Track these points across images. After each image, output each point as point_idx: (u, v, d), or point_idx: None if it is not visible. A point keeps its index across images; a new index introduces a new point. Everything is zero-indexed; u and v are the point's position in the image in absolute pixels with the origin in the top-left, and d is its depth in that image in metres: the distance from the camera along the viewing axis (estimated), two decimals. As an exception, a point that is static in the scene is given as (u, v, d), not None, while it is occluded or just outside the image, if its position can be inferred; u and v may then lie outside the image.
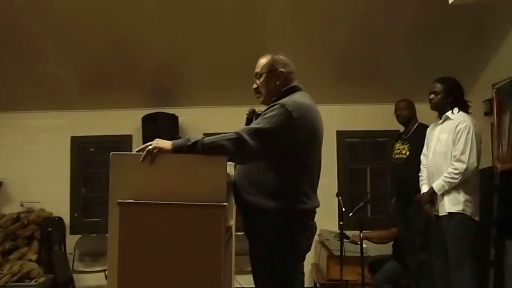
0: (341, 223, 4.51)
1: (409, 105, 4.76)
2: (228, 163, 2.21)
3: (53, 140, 6.36)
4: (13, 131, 6.38)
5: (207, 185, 2.08)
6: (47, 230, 5.96)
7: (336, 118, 6.09)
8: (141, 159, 2.13)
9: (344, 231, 4.88)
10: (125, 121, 6.12)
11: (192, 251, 1.98)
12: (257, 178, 2.34)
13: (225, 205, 2.00)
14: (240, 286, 3.97)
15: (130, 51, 5.28)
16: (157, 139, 2.21)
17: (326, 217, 5.34)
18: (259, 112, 2.48)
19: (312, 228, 2.44)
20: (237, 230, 3.06)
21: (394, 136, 5.09)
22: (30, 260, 5.75)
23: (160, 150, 2.14)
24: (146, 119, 5.90)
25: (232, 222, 2.98)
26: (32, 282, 5.44)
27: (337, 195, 4.68)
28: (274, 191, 2.29)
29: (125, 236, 2.00)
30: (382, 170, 6.22)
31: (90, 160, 6.59)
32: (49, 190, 6.23)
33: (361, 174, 6.31)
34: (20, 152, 6.34)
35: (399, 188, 4.80)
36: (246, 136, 2.16)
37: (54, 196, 6.24)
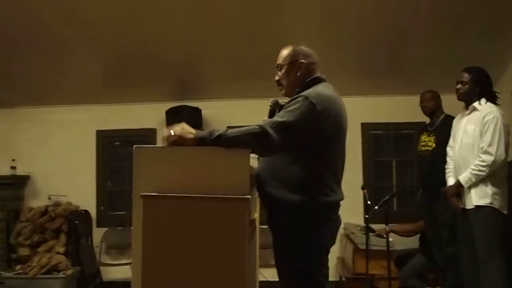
0: (366, 216, 4.47)
1: (434, 96, 4.67)
2: (252, 155, 2.19)
3: (79, 134, 6.45)
4: (40, 126, 6.50)
5: (230, 177, 2.06)
6: (74, 223, 6.06)
7: (361, 110, 6.02)
8: (161, 138, 2.12)
9: (369, 225, 4.84)
10: (149, 115, 6.16)
11: (215, 244, 1.97)
12: (281, 171, 2.31)
13: (248, 198, 1.98)
14: (265, 279, 3.95)
15: (153, 45, 5.30)
16: (183, 123, 2.17)
17: (352, 210, 5.29)
18: (282, 103, 2.46)
19: (336, 221, 2.41)
20: (261, 223, 3.04)
21: (420, 128, 5.01)
22: (58, 253, 5.86)
23: (181, 138, 2.09)
24: (170, 113, 5.92)
25: (256, 215, 2.97)
26: (60, 274, 5.54)
27: (362, 188, 4.64)
28: (297, 184, 2.27)
29: (148, 228, 2.00)
30: (408, 163, 6.11)
31: (115, 153, 6.65)
32: (75, 183, 6.34)
33: (387, 167, 6.22)
34: (47, 146, 6.45)
35: (425, 180, 4.73)
36: (269, 130, 2.13)
37: (80, 190, 6.34)
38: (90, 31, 5.06)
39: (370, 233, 4.87)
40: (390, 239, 4.89)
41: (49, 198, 6.31)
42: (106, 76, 5.86)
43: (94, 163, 6.47)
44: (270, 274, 4.39)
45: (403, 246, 5.24)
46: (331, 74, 5.19)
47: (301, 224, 2.26)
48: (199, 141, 2.12)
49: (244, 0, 4.76)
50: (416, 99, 4.84)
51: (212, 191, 2.03)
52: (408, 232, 5.19)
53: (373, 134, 6.18)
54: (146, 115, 6.21)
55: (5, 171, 6.32)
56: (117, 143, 6.73)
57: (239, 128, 2.14)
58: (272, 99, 2.67)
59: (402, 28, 5.02)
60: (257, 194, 2.54)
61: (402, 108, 5.87)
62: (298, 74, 2.45)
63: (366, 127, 6.09)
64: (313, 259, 2.29)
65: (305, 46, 2.54)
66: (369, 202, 4.38)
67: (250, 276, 2.83)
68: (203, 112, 6.07)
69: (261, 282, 3.40)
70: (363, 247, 4.55)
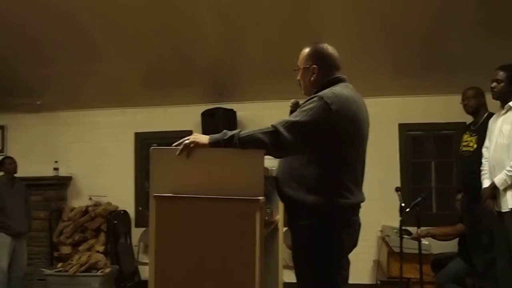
0: (400, 218, 4.37)
1: (477, 93, 4.45)
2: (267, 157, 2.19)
3: (118, 136, 6.62)
4: (81, 128, 6.71)
5: (244, 179, 2.06)
6: (113, 223, 6.21)
7: (398, 111, 5.93)
8: (177, 153, 2.16)
9: (406, 227, 4.73)
10: (185, 117, 6.24)
11: (226, 245, 1.98)
12: (298, 172, 2.30)
13: (259, 199, 1.97)
14: (289, 281, 3.93)
15: (188, 50, 5.37)
16: (194, 133, 2.23)
17: (388, 212, 5.23)
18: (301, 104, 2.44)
19: (355, 223, 2.36)
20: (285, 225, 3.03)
21: (463, 127, 4.84)
22: (98, 252, 6.02)
23: (197, 145, 2.15)
24: (205, 115, 6.00)
25: (279, 216, 2.96)
26: (99, 273, 5.69)
27: (396, 190, 4.53)
28: (314, 185, 2.24)
29: (160, 229, 2.03)
30: (448, 164, 5.94)
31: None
32: (115, 184, 6.50)
33: (426, 168, 6.07)
34: (88, 148, 6.65)
35: (466, 182, 4.56)
36: (282, 129, 2.12)
37: (119, 190, 6.50)
38: (126, 37, 5.17)
39: (407, 236, 4.76)
40: (427, 243, 4.79)
41: (90, 199, 6.50)
42: (143, 80, 5.98)
43: (133, 165, 6.61)
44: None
45: (440, 250, 5.09)
46: (367, 74, 5.15)
47: (319, 226, 2.23)
48: (214, 144, 2.16)
49: (278, 2, 4.76)
50: (458, 98, 4.68)
51: (226, 192, 2.04)
52: (446, 235, 5.03)
53: (411, 135, 6.04)
54: (182, 117, 6.29)
55: (49, 172, 6.55)
56: (155, 145, 6.82)
57: (253, 129, 2.15)
58: (292, 100, 2.66)
59: (441, 25, 4.89)
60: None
61: (442, 108, 5.73)
62: (312, 78, 2.43)
63: (403, 128, 5.96)
64: (330, 261, 2.25)
65: (326, 45, 2.50)
66: (402, 204, 4.29)
67: (271, 276, 2.83)
68: (238, 114, 6.12)
69: (289, 283, 3.37)
70: (398, 250, 4.45)
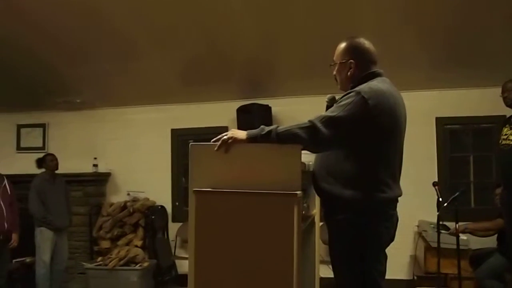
0: (437, 213, 4.32)
1: None
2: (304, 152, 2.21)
3: (155, 133, 6.74)
4: (118, 126, 6.87)
5: (281, 173, 2.09)
6: (151, 218, 6.33)
7: (435, 104, 5.85)
8: (216, 148, 2.20)
9: (443, 222, 4.68)
10: (221, 113, 6.31)
11: (264, 239, 2.01)
12: (335, 167, 2.30)
13: (296, 194, 2.00)
14: (325, 275, 3.94)
15: (223, 47, 5.41)
16: (232, 129, 2.26)
17: (425, 207, 5.19)
18: (338, 99, 2.45)
19: (393, 217, 2.35)
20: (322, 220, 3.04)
21: (500, 121, 4.74)
22: (136, 246, 6.15)
23: (235, 140, 2.19)
24: (241, 111, 6.05)
25: (315, 211, 2.98)
26: (137, 267, 5.81)
27: (434, 185, 4.48)
28: (351, 180, 2.24)
29: (200, 222, 2.08)
30: (487, 158, 5.82)
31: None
32: (152, 180, 6.63)
33: (464, 163, 5.97)
34: (126, 144, 6.79)
35: (505, 176, 4.46)
36: (319, 125, 2.14)
37: (157, 186, 6.62)
38: (163, 36, 5.24)
39: (444, 231, 4.71)
40: (465, 238, 4.72)
41: (128, 194, 6.64)
42: (179, 77, 6.05)
43: (169, 161, 6.72)
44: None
45: (479, 245, 5.01)
46: (404, 68, 5.07)
47: (355, 220, 2.23)
48: (251, 139, 2.19)
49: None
50: (497, 91, 4.59)
51: (264, 186, 2.07)
52: (485, 230, 4.95)
53: (449, 128, 5.95)
54: (218, 113, 6.36)
55: (88, 169, 6.74)
56: (191, 141, 6.91)
57: (290, 125, 2.17)
58: (329, 95, 2.66)
59: (478, 19, 4.78)
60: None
61: (480, 101, 5.65)
62: (349, 73, 2.42)
63: (440, 122, 5.88)
64: (368, 256, 2.25)
65: (362, 40, 2.49)
66: (440, 199, 4.24)
67: (307, 271, 2.85)
68: (273, 110, 6.15)
69: (325, 278, 3.38)
70: (435, 245, 4.41)
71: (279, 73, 5.84)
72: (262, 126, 2.20)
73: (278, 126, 2.17)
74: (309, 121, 2.17)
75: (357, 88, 2.26)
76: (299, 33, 5.12)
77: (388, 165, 2.32)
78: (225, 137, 2.21)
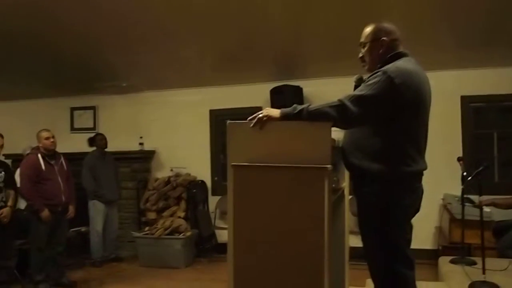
0: (462, 187, 4.26)
1: None
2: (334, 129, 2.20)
3: (195, 114, 6.81)
4: (161, 107, 6.95)
5: (313, 149, 2.09)
6: (193, 191, 6.43)
7: (460, 83, 5.71)
8: (251, 125, 2.21)
9: (468, 196, 4.60)
10: (255, 94, 6.30)
11: (297, 209, 2.03)
12: (363, 142, 2.30)
13: (327, 167, 2.00)
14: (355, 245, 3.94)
15: (256, 32, 5.35)
16: (267, 108, 2.27)
17: (450, 182, 5.12)
18: (366, 79, 2.42)
19: (418, 190, 2.34)
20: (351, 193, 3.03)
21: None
22: (179, 217, 6.26)
23: (269, 118, 2.19)
24: (274, 92, 6.03)
25: (345, 184, 2.97)
26: (180, 236, 5.93)
27: (458, 160, 4.41)
28: (378, 154, 2.24)
29: (237, 194, 2.12)
30: (511, 135, 5.67)
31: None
32: (193, 157, 6.71)
33: (488, 139, 5.82)
34: (168, 124, 6.89)
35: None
36: (348, 103, 2.13)
37: (197, 163, 6.70)
38: (202, 24, 5.22)
39: (468, 204, 4.64)
40: (488, 210, 4.62)
41: (171, 170, 6.75)
42: (217, 62, 6.06)
43: (208, 139, 6.79)
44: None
45: (502, 217, 4.90)
46: (429, 49, 4.94)
47: (383, 192, 2.23)
48: (284, 117, 2.19)
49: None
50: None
51: (297, 161, 2.08)
52: (509, 206, 4.84)
53: (473, 106, 5.80)
54: (253, 94, 6.35)
55: (135, 147, 6.86)
56: (228, 120, 6.95)
57: (321, 103, 2.17)
58: (356, 75, 2.63)
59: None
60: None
61: (505, 80, 5.50)
62: (380, 51, 2.39)
63: (465, 100, 5.74)
64: (394, 227, 2.25)
65: (387, 23, 2.47)
66: (464, 174, 4.17)
67: (337, 241, 2.87)
68: (304, 90, 6.11)
69: (354, 248, 3.39)
70: (459, 217, 4.35)
71: (310, 55, 5.77)
72: (294, 105, 2.20)
73: (309, 105, 2.16)
74: (339, 100, 2.16)
75: (383, 68, 2.23)
76: (329, 15, 5.02)
77: (414, 140, 2.30)
78: (260, 115, 2.22)
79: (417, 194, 2.33)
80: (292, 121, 2.17)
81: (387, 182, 2.23)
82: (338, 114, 2.12)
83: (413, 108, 2.25)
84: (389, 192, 2.23)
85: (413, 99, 2.23)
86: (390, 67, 2.23)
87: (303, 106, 2.17)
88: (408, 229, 2.33)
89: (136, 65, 6.20)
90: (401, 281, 2.27)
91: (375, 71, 2.26)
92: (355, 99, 2.14)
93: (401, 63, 2.27)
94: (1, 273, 4.40)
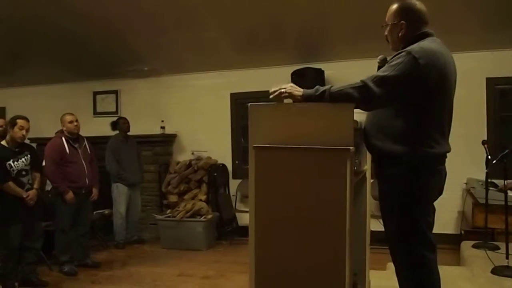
0: (486, 171, 4.18)
1: None
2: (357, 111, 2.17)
3: (216, 97, 6.81)
4: (182, 91, 6.97)
5: (335, 130, 2.05)
6: (214, 175, 6.47)
7: (486, 65, 5.56)
8: (270, 96, 2.18)
9: (492, 180, 4.52)
10: (276, 78, 6.19)
11: (319, 191, 2.00)
12: (385, 123, 2.26)
13: (349, 149, 1.97)
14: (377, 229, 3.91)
15: (277, 14, 5.31)
16: (291, 84, 2.22)
17: (474, 165, 5.03)
18: (389, 60, 2.37)
19: (441, 172, 2.30)
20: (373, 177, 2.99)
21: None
22: (200, 200, 6.31)
23: (291, 95, 2.14)
24: (295, 75, 5.97)
25: (367, 167, 2.94)
26: (202, 218, 5.98)
27: (483, 143, 4.32)
28: (401, 136, 2.20)
29: (259, 176, 2.11)
30: (539, 117, 5.54)
31: (248, 113, 6.86)
32: (214, 140, 6.73)
33: (514, 122, 5.69)
34: (189, 108, 6.91)
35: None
36: (371, 84, 2.08)
37: (218, 146, 6.72)
38: (223, 7, 5.20)
39: (492, 188, 4.56)
40: (510, 194, 4.54)
41: (193, 153, 6.79)
42: (237, 45, 6.04)
43: (229, 122, 6.79)
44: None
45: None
46: (454, 29, 4.83)
47: (405, 174, 2.20)
48: (306, 98, 2.14)
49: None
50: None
51: (319, 142, 2.05)
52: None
53: (499, 89, 5.66)
54: (273, 77, 6.25)
55: (156, 130, 6.91)
56: (249, 104, 6.93)
57: (343, 85, 2.13)
58: (380, 56, 2.58)
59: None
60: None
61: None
62: (400, 34, 2.34)
63: (491, 82, 5.59)
64: (417, 208, 2.22)
65: (413, 1, 2.37)
66: (489, 157, 4.09)
67: (359, 224, 2.84)
68: (326, 73, 6.05)
69: (375, 232, 3.36)
70: (483, 201, 4.28)
71: (331, 37, 5.71)
72: (317, 86, 2.16)
73: (331, 86, 2.12)
74: (361, 80, 2.11)
75: (408, 48, 2.18)
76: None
77: (437, 122, 2.26)
78: (283, 89, 2.17)
79: (440, 176, 2.30)
80: (314, 102, 2.14)
81: (409, 164, 2.20)
82: (361, 95, 2.07)
83: (438, 90, 2.20)
84: (411, 174, 2.20)
85: (438, 80, 2.17)
86: (414, 47, 2.17)
87: (325, 87, 2.13)
88: (430, 212, 2.30)
89: (158, 49, 6.21)
90: (423, 264, 2.25)
91: (399, 51, 2.21)
92: (378, 80, 2.10)
93: (425, 43, 2.22)
94: (28, 254, 4.50)
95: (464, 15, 4.92)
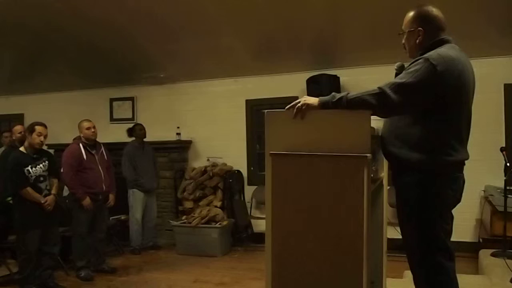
0: (505, 178, 4.12)
1: None
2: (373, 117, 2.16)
3: (231, 104, 6.83)
4: (197, 97, 7.01)
5: (352, 137, 2.05)
6: (229, 181, 6.48)
7: (503, 71, 5.50)
8: (293, 116, 2.18)
9: (511, 187, 4.46)
10: (292, 84, 6.26)
11: (335, 198, 2.01)
12: (402, 131, 2.25)
13: (366, 156, 1.97)
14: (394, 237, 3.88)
15: (293, 21, 5.32)
16: (305, 96, 2.24)
17: (492, 173, 4.98)
18: (407, 67, 2.36)
19: (459, 180, 2.27)
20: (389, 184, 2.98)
21: None
22: (216, 206, 6.32)
23: (308, 106, 2.16)
24: (310, 81, 5.98)
25: (383, 174, 2.93)
26: (217, 225, 5.99)
27: (501, 150, 4.27)
28: (418, 143, 2.19)
29: (275, 182, 2.12)
30: (559, 124, 5.45)
31: (263, 120, 6.87)
32: (229, 147, 6.75)
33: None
34: (205, 114, 6.94)
35: None
36: (388, 91, 2.08)
37: (233, 152, 6.73)
38: (238, 14, 5.23)
39: (510, 195, 4.49)
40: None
41: (208, 160, 6.81)
42: (253, 51, 6.06)
43: (244, 129, 6.80)
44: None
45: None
46: (472, 35, 4.79)
47: (423, 182, 2.18)
48: (323, 105, 2.15)
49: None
50: None
51: (336, 149, 2.05)
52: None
53: (518, 95, 5.59)
54: (289, 84, 6.31)
55: (172, 137, 6.95)
56: (264, 110, 6.94)
57: (360, 91, 2.13)
58: (397, 62, 2.57)
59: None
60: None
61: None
62: (417, 41, 2.33)
63: (509, 88, 5.52)
64: (434, 217, 2.20)
65: (430, 7, 2.37)
66: (508, 164, 4.04)
67: (375, 231, 2.83)
68: (341, 80, 6.03)
69: (392, 239, 3.34)
70: (501, 209, 4.23)
71: (346, 44, 5.70)
72: (333, 93, 2.16)
73: (348, 93, 2.12)
74: (379, 87, 2.11)
75: (425, 55, 2.17)
76: (366, 3, 4.95)
77: (455, 129, 2.24)
78: (298, 104, 2.19)
79: (458, 184, 2.27)
80: (330, 109, 2.15)
81: (427, 171, 2.18)
82: (378, 102, 2.07)
83: (456, 97, 2.18)
84: (429, 182, 2.18)
85: (456, 87, 2.16)
86: (432, 54, 2.16)
87: (342, 94, 2.13)
88: (448, 220, 2.28)
89: (174, 56, 6.26)
90: (441, 273, 2.22)
91: (417, 58, 2.20)
92: (396, 87, 2.09)
93: (443, 50, 2.21)
94: (46, 259, 4.55)
95: (480, 21, 4.89)
